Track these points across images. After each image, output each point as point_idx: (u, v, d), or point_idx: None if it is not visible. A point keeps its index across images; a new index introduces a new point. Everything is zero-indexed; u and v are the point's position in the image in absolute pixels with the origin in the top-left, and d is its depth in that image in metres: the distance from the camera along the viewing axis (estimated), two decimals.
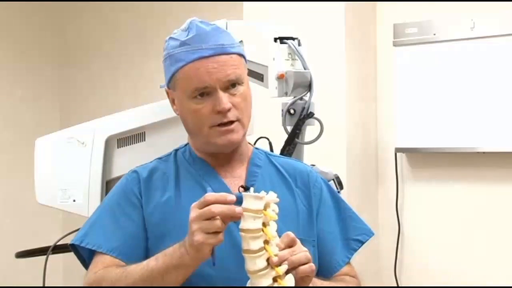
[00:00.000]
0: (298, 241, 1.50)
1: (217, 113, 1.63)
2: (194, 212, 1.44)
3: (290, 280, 1.45)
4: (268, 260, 1.43)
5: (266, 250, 1.43)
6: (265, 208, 1.44)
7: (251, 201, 1.44)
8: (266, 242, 1.44)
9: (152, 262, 1.53)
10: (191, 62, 1.63)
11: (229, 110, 1.63)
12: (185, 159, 1.74)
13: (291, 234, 1.49)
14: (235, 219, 1.44)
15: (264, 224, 1.44)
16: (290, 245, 1.48)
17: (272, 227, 1.46)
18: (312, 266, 1.48)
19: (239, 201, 1.45)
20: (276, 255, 1.43)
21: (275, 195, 1.48)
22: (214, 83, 1.62)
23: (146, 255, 1.61)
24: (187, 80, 1.64)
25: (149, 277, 1.51)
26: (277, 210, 1.47)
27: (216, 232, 1.42)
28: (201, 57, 1.63)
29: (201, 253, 1.44)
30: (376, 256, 3.31)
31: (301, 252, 1.48)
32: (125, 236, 1.64)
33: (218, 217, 1.42)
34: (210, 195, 1.45)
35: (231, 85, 1.64)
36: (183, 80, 1.65)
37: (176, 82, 1.67)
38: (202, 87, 1.63)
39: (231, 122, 1.65)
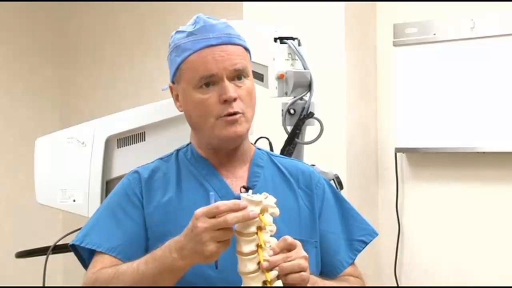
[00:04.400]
0: (299, 245, 1.47)
1: (223, 102, 1.62)
2: (204, 222, 1.40)
3: (279, 285, 1.43)
4: (259, 263, 1.42)
5: (258, 254, 1.42)
6: (262, 212, 1.42)
7: (247, 204, 1.41)
8: (260, 245, 1.42)
9: (142, 266, 1.51)
10: (198, 50, 1.63)
11: (235, 100, 1.62)
12: (186, 159, 1.73)
13: (288, 238, 1.47)
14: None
15: (260, 228, 1.42)
16: (288, 249, 1.46)
17: (268, 232, 1.44)
18: (302, 275, 1.45)
19: None
20: (267, 260, 1.41)
21: (274, 200, 1.46)
22: (221, 71, 1.61)
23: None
24: (193, 69, 1.63)
25: (141, 281, 1.50)
26: (277, 213, 1.46)
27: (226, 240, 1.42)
28: (208, 46, 1.63)
29: (211, 261, 1.43)
30: (376, 256, 3.31)
31: (297, 258, 1.45)
32: (125, 235, 1.63)
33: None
34: (222, 205, 1.41)
35: (237, 77, 1.64)
36: (189, 70, 1.64)
37: (182, 73, 1.66)
38: (208, 75, 1.62)
39: (236, 113, 1.63)
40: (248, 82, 1.66)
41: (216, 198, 1.49)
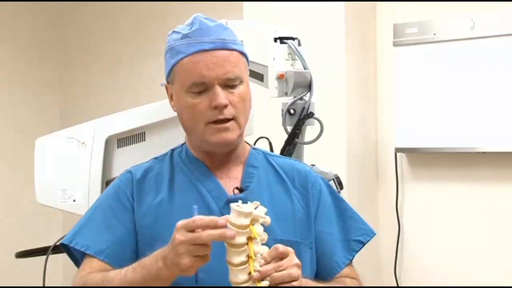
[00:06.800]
0: (291, 253, 1.45)
1: (213, 108, 1.60)
2: (181, 234, 1.39)
3: None
4: (250, 273, 1.40)
5: (249, 265, 1.40)
6: (252, 223, 1.41)
7: (236, 215, 1.40)
8: (250, 256, 1.41)
9: (130, 274, 1.50)
10: (191, 54, 1.61)
11: (225, 106, 1.60)
12: (181, 159, 1.72)
13: (280, 247, 1.44)
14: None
15: (250, 238, 1.41)
16: (280, 257, 1.43)
17: (258, 242, 1.42)
18: (293, 285, 1.43)
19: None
20: (257, 271, 1.40)
21: (265, 210, 1.44)
22: (212, 79, 1.60)
23: (136, 258, 1.58)
24: (186, 74, 1.62)
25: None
26: (268, 222, 1.44)
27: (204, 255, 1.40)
28: (201, 50, 1.61)
29: (187, 274, 1.41)
30: (376, 256, 3.32)
31: (289, 267, 1.43)
32: (114, 239, 1.62)
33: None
34: (199, 220, 1.39)
35: (230, 83, 1.62)
36: (182, 73, 1.63)
37: (175, 75, 1.65)
38: (199, 82, 1.60)
39: (227, 120, 1.62)
40: (242, 87, 1.64)
41: (199, 212, 1.45)
